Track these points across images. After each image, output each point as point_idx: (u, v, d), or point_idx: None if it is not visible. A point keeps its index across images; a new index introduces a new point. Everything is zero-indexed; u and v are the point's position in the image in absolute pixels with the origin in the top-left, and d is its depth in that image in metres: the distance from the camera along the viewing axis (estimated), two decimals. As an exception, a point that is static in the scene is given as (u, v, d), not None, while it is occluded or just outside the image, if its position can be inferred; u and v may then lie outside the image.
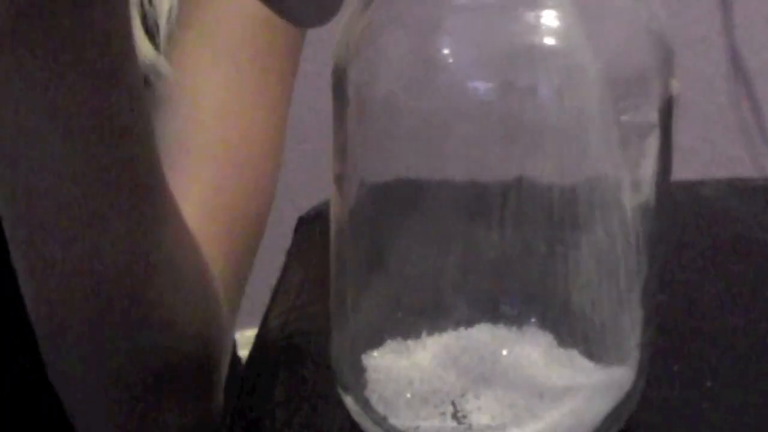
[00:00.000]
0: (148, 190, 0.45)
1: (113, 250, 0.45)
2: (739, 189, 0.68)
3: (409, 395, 0.44)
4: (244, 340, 0.82)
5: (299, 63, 0.60)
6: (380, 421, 0.45)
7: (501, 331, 0.43)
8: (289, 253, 0.65)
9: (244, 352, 0.58)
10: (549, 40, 0.41)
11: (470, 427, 0.43)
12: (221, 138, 0.55)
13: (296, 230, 0.67)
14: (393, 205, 0.44)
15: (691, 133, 1.43)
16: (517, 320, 0.43)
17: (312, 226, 0.66)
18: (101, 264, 0.45)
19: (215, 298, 0.50)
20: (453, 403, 0.43)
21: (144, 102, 0.44)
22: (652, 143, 0.43)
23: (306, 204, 0.69)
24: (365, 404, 0.45)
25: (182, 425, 0.51)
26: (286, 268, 0.63)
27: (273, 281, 0.62)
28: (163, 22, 0.55)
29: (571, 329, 0.44)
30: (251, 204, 0.56)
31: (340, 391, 0.46)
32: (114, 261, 0.45)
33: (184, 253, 0.48)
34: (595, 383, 0.44)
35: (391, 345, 0.44)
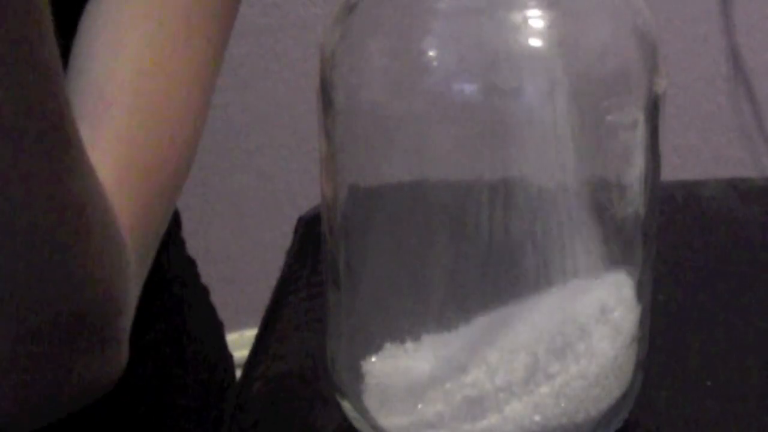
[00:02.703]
0: (57, 133, 0.43)
1: (19, 193, 0.43)
2: (739, 189, 0.68)
3: (408, 399, 0.44)
4: (244, 340, 0.82)
5: (230, 32, 0.59)
6: (378, 425, 0.45)
7: (496, 330, 0.43)
8: (289, 253, 0.65)
9: (243, 353, 0.58)
10: (533, 41, 0.41)
11: (470, 429, 0.43)
12: (138, 91, 0.54)
13: (296, 230, 0.67)
14: (382, 209, 0.44)
15: (691, 133, 1.43)
16: (511, 319, 0.43)
17: (312, 226, 0.66)
18: (7, 207, 0.43)
19: (123, 247, 0.49)
20: (452, 405, 0.43)
21: (52, 33, 0.41)
22: (639, 142, 0.43)
23: (306, 204, 0.69)
24: (363, 409, 0.45)
25: (87, 376, 0.50)
26: (286, 268, 0.63)
27: (273, 281, 0.62)
28: None
29: (563, 325, 0.44)
30: (166, 159, 0.55)
31: (338, 397, 0.46)
32: (20, 205, 0.43)
33: (94, 200, 0.46)
34: (588, 373, 0.44)
35: (389, 349, 0.44)
